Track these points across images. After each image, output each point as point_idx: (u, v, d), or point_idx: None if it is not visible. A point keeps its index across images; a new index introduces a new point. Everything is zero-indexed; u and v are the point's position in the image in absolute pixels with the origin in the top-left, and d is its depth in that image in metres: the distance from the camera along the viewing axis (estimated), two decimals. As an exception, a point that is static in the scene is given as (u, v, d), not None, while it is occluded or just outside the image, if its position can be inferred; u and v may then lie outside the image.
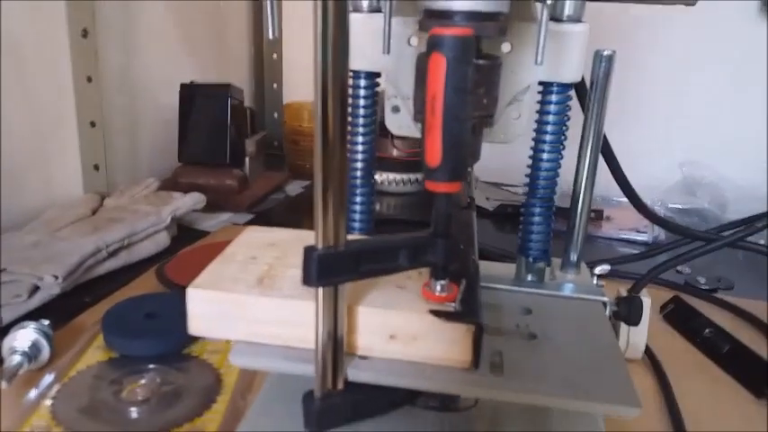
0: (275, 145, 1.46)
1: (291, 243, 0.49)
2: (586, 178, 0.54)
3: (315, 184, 0.35)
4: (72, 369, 0.58)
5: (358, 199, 0.55)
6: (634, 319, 0.50)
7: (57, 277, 0.69)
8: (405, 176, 1.08)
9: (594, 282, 0.54)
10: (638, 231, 1.02)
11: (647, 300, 0.59)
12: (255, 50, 1.46)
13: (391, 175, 1.08)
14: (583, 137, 0.53)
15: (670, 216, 1.09)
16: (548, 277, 0.55)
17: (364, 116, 0.52)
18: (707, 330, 0.69)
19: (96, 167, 0.99)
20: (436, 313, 0.39)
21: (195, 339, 0.64)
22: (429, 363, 0.40)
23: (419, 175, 1.07)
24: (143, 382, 0.57)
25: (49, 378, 0.56)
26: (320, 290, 0.37)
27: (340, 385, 0.39)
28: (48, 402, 0.53)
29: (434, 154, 0.36)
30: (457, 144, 0.36)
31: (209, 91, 1.07)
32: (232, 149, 1.08)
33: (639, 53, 1.19)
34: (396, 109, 0.52)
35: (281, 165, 1.35)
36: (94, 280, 0.78)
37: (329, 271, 0.36)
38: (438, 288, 0.40)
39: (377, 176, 0.60)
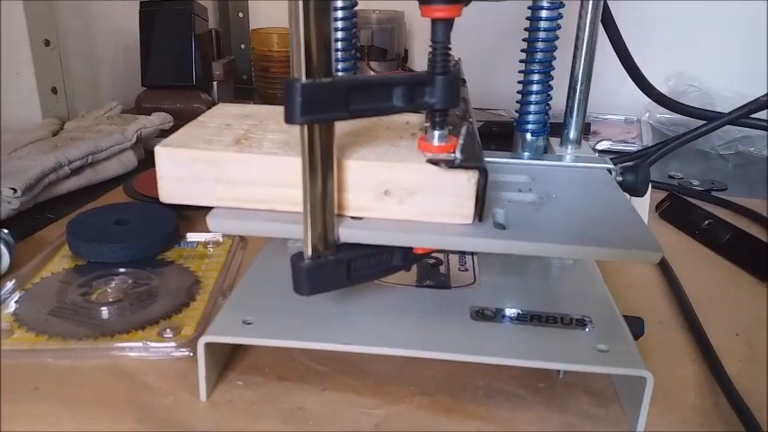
0: (244, 78, 1.40)
1: (268, 115, 0.45)
2: (587, 44, 0.50)
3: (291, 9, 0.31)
4: (36, 276, 0.54)
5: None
6: (642, 188, 0.46)
7: (15, 190, 0.64)
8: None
9: (596, 155, 0.51)
10: (625, 142, 0.99)
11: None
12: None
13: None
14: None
15: (658, 126, 1.07)
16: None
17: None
18: (706, 222, 0.67)
19: (54, 91, 0.92)
20: (435, 162, 0.36)
21: (170, 245, 0.59)
22: (427, 221, 0.37)
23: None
24: (114, 284, 0.52)
25: (9, 285, 0.52)
26: (305, 132, 0.32)
27: (331, 247, 0.35)
28: (11, 307, 0.49)
29: (431, -32, 0.32)
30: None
31: (171, 7, 1.00)
32: (198, 72, 1.02)
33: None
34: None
35: (250, 97, 1.28)
36: (58, 198, 0.72)
37: (315, 105, 0.31)
38: (436, 138, 0.37)
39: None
